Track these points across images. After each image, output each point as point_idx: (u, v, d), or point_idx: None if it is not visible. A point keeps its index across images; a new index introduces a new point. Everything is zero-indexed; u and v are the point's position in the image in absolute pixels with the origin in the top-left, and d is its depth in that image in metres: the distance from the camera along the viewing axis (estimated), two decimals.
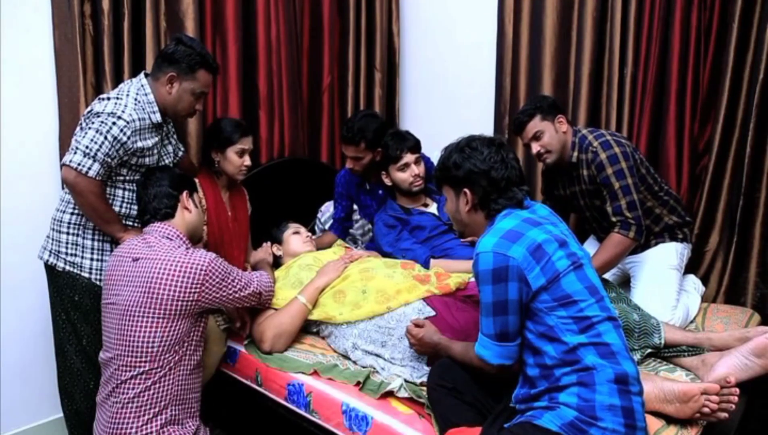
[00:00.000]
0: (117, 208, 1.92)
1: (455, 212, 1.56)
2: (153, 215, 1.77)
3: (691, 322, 2.14)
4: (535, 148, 2.18)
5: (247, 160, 2.27)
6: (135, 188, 1.94)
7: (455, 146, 1.55)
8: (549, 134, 2.15)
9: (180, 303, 1.61)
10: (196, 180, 2.19)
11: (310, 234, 2.45)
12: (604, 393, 1.28)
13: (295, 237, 2.39)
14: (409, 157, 2.36)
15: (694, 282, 2.32)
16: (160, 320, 1.60)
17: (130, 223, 1.96)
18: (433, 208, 2.49)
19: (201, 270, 1.63)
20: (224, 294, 1.71)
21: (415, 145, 2.39)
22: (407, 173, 2.37)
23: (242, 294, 1.79)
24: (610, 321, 1.36)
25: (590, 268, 1.42)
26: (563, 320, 1.32)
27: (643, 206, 2.13)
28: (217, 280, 1.67)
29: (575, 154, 2.17)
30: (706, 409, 1.46)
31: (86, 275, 1.92)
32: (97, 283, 1.91)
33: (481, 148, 1.50)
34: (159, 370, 1.61)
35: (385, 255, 2.36)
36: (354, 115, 2.49)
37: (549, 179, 2.42)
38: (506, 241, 1.36)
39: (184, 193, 1.82)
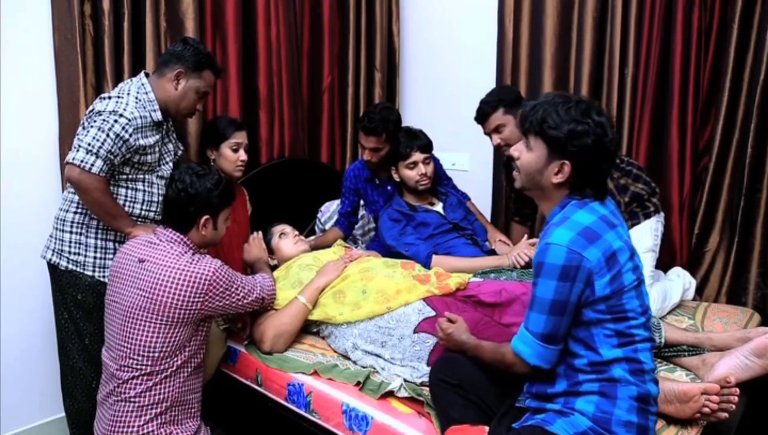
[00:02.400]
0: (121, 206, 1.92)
1: (537, 173, 1.37)
2: (165, 220, 1.74)
3: (690, 320, 2.14)
4: (496, 140, 2.28)
5: (242, 155, 2.27)
6: (137, 187, 1.95)
7: (574, 105, 1.31)
8: (510, 129, 2.24)
9: (183, 311, 1.60)
10: None
11: (297, 232, 2.41)
12: (624, 408, 1.26)
13: (284, 241, 2.34)
14: (417, 156, 2.38)
15: (678, 273, 2.32)
16: (162, 326, 1.59)
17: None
18: (438, 207, 2.50)
19: (205, 279, 1.62)
20: (227, 302, 1.71)
21: (425, 145, 2.41)
22: (414, 171, 2.39)
23: (245, 301, 1.78)
24: (649, 342, 1.33)
25: (645, 284, 1.37)
26: (606, 332, 1.28)
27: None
28: (221, 289, 1.67)
29: None
30: (706, 409, 1.46)
31: (89, 274, 1.92)
32: (101, 279, 1.92)
33: (605, 129, 1.30)
34: (160, 373, 1.60)
35: (387, 250, 2.37)
36: (373, 107, 2.50)
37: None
38: (583, 240, 1.26)
39: (203, 219, 1.70)
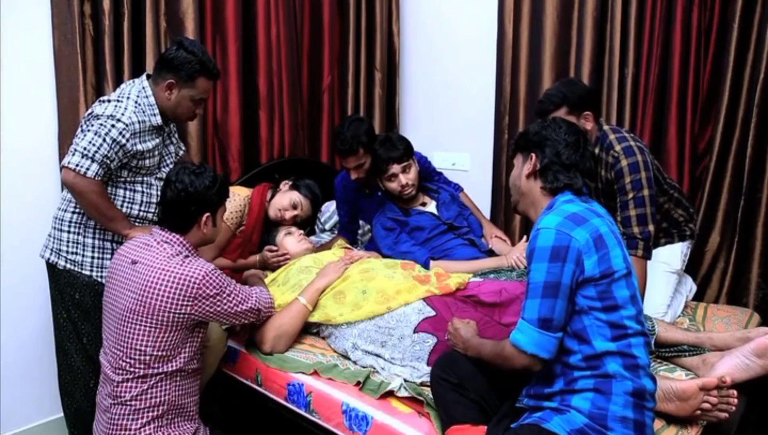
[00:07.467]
0: (118, 208, 1.92)
1: (516, 178, 1.53)
2: (163, 221, 1.71)
3: (691, 320, 2.14)
4: None
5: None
6: (135, 188, 1.95)
7: (541, 120, 1.55)
8: None
9: (172, 314, 1.57)
10: (246, 193, 2.37)
11: (302, 232, 2.45)
12: (619, 404, 1.27)
13: (289, 238, 2.39)
14: (395, 169, 2.34)
15: (690, 288, 2.32)
16: (153, 329, 1.57)
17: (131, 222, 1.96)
18: (431, 206, 2.48)
19: (194, 283, 1.58)
20: (219, 309, 1.65)
21: (402, 156, 2.34)
22: (395, 183, 2.37)
23: (239, 309, 1.71)
24: (642, 336, 1.34)
25: (635, 277, 1.39)
26: (599, 323, 1.29)
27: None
28: (212, 293, 1.61)
29: (596, 150, 2.10)
30: (706, 405, 1.45)
31: (87, 273, 1.92)
32: (99, 279, 1.92)
33: (563, 126, 1.49)
34: (154, 376, 1.59)
35: (385, 257, 2.36)
36: (340, 127, 2.41)
37: None
38: (571, 223, 1.32)
39: (204, 217, 1.68)
